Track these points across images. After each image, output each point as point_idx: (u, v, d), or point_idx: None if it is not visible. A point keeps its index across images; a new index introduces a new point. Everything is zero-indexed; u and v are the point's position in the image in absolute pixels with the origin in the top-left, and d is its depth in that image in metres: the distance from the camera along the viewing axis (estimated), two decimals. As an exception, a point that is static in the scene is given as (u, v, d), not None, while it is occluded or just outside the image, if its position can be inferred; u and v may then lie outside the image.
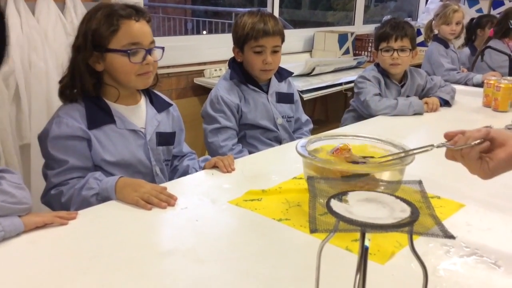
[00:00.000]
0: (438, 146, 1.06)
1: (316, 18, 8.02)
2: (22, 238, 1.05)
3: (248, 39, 1.83)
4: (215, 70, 3.19)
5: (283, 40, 1.89)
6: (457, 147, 1.00)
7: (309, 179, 0.77)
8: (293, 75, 3.20)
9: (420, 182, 0.77)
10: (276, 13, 3.72)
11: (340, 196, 0.69)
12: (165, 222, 1.17)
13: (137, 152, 1.45)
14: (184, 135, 1.68)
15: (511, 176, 1.44)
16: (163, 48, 1.48)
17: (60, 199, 1.33)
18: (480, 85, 3.01)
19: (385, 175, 1.16)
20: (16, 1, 2.11)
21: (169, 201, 1.22)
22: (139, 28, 1.40)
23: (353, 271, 0.95)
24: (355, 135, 1.33)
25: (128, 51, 1.37)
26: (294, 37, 3.92)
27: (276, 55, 1.87)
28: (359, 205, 0.66)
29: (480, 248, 1.05)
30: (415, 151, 1.14)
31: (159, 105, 1.56)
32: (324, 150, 1.30)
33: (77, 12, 2.28)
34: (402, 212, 0.64)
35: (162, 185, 1.36)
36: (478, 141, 0.97)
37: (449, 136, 1.04)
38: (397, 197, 0.69)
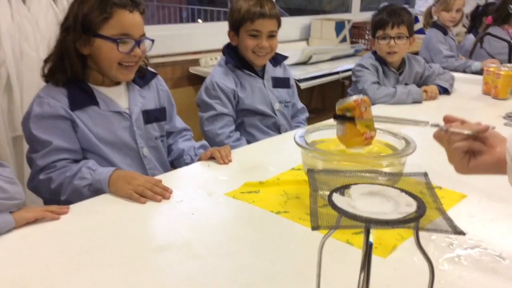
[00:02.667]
0: (432, 125, 1.02)
1: (312, 6, 7.94)
2: (13, 234, 1.02)
3: (244, 21, 1.79)
4: (211, 59, 3.14)
5: (279, 25, 1.86)
6: (451, 130, 0.96)
7: (309, 171, 0.74)
8: (290, 63, 3.22)
9: (425, 174, 0.74)
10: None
11: (343, 189, 0.66)
12: (159, 216, 1.13)
13: (121, 134, 1.41)
14: (175, 109, 1.64)
15: (514, 165, 1.43)
16: (153, 41, 1.44)
17: (49, 185, 1.29)
18: (479, 72, 2.97)
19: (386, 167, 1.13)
20: (6, -11, 2.05)
21: (163, 194, 1.19)
22: (132, 19, 1.36)
23: (354, 264, 0.92)
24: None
25: (118, 40, 1.33)
26: (291, 25, 3.87)
27: (272, 40, 1.84)
28: (362, 199, 0.63)
29: (483, 240, 1.02)
30: (408, 122, 1.10)
31: (142, 80, 1.51)
32: (323, 142, 1.26)
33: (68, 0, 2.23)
34: (407, 206, 0.61)
35: (157, 177, 1.33)
36: (471, 132, 0.93)
37: (447, 119, 1.01)
38: (402, 190, 0.66)
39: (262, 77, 1.91)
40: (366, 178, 0.73)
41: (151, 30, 2.33)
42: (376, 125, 1.15)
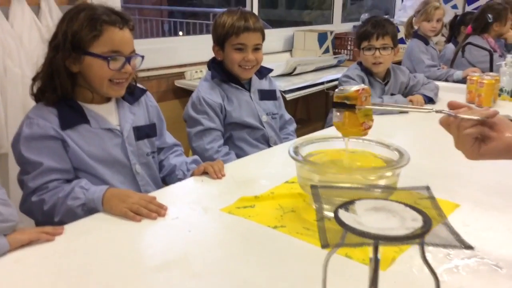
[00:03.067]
0: (437, 112, 1.03)
1: (292, 17, 8.01)
2: (7, 257, 1.00)
3: (228, 36, 1.80)
4: (196, 72, 3.14)
5: (263, 38, 1.88)
6: (461, 116, 0.95)
7: (313, 187, 0.74)
8: (275, 75, 3.23)
9: (428, 188, 0.75)
10: (255, 12, 3.69)
11: (347, 205, 0.66)
12: (156, 234, 1.12)
13: (113, 151, 1.40)
14: (165, 125, 1.63)
15: (505, 173, 1.46)
16: (142, 57, 1.44)
17: (42, 207, 1.27)
18: (460, 81, 3.03)
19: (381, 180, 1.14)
20: (-12, 5, 2.03)
21: (159, 211, 1.18)
22: (122, 36, 1.36)
23: (355, 278, 0.93)
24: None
25: (108, 58, 1.33)
26: (274, 37, 3.89)
27: (257, 53, 1.85)
28: (368, 215, 0.64)
29: (480, 249, 1.03)
30: (412, 109, 1.11)
31: (131, 97, 1.51)
32: (316, 155, 1.27)
33: (52, 16, 2.21)
34: (413, 221, 0.62)
35: (151, 194, 1.32)
36: (481, 118, 0.93)
37: (453, 106, 1.01)
38: (407, 205, 0.66)
39: (249, 90, 1.91)
40: (369, 193, 0.74)
41: (135, 44, 2.33)
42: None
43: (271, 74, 3.20)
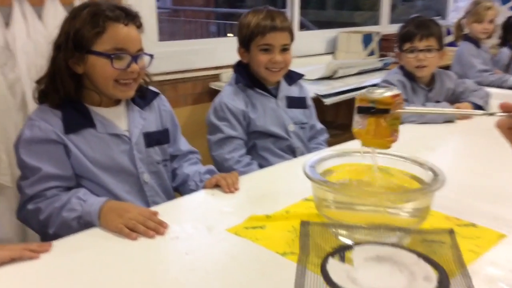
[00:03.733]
0: (491, 114, 0.87)
1: (342, 18, 7.80)
2: (-17, 276, 0.91)
3: (254, 36, 1.68)
4: (232, 73, 3.04)
5: (292, 39, 1.74)
6: None
7: (303, 224, 0.60)
8: (314, 78, 3.08)
9: (451, 232, 0.59)
10: (296, 14, 3.55)
11: (343, 252, 0.52)
12: (150, 255, 1.01)
13: (119, 158, 1.31)
14: (179, 131, 1.53)
15: None
16: (151, 56, 1.34)
17: (38, 216, 1.19)
18: (516, 87, 2.78)
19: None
20: (22, 5, 2.00)
21: (157, 229, 1.07)
22: (127, 33, 1.26)
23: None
24: (373, 152, 1.14)
25: (112, 56, 1.23)
26: (316, 38, 3.74)
27: (285, 54, 1.72)
28: (366, 268, 0.49)
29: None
30: (460, 113, 0.94)
31: (143, 100, 1.41)
32: (337, 171, 1.12)
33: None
34: (425, 280, 0.47)
35: (157, 207, 1.22)
36: None
37: (507, 108, 0.86)
38: (420, 255, 0.51)
39: (276, 96, 1.78)
40: (378, 231, 0.59)
41: (170, 46, 2.26)
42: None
43: (309, 77, 3.08)
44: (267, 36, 1.67)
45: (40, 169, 1.20)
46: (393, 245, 0.54)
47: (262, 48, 1.69)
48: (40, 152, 1.22)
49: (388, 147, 1.03)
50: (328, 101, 2.77)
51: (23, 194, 1.23)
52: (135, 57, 1.28)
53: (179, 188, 1.47)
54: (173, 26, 7.48)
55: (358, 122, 1.02)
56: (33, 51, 2.02)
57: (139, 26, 1.31)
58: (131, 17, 1.28)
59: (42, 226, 1.19)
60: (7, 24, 1.95)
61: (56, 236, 1.13)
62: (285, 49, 1.72)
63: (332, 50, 3.88)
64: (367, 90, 1.02)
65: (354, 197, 0.97)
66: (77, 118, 1.27)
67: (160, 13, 7.97)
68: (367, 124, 1.01)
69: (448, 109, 0.85)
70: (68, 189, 1.24)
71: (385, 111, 0.99)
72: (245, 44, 1.73)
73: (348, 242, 0.98)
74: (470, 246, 1.01)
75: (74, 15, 1.26)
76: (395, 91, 1.02)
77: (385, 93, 1.01)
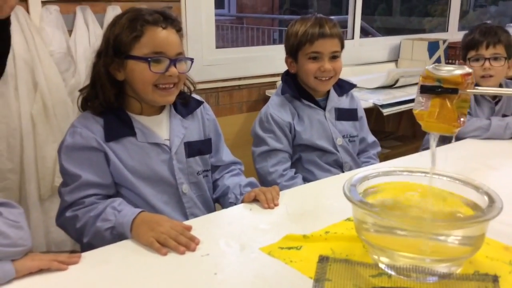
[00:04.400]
0: None
1: (411, 25, 7.56)
2: (11, 285, 0.91)
3: (302, 44, 1.62)
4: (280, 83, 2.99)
5: (342, 46, 1.67)
6: None
7: (321, 261, 0.53)
8: (374, 87, 2.96)
9: (495, 279, 0.50)
10: (358, 20, 3.45)
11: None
12: (178, 273, 0.96)
13: (158, 168, 1.29)
14: (223, 140, 1.49)
15: None
16: (192, 60, 1.31)
17: (75, 224, 1.19)
18: None
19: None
20: (84, 13, 2.06)
21: (188, 245, 1.03)
22: (165, 36, 1.24)
23: None
24: (423, 172, 1.04)
25: (149, 59, 1.22)
26: (378, 46, 3.61)
27: (335, 62, 1.65)
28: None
29: None
30: None
31: (185, 109, 1.38)
32: (383, 190, 1.03)
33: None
34: None
35: (192, 220, 1.19)
36: None
37: None
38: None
39: (324, 108, 1.70)
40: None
41: (227, 53, 2.25)
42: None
43: (370, 85, 2.97)
44: (316, 43, 1.61)
45: (80, 176, 1.20)
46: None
47: (311, 56, 1.63)
48: (80, 159, 1.22)
49: (453, 133, 0.92)
50: (387, 111, 2.65)
51: (63, 201, 1.23)
52: (174, 61, 1.25)
53: (219, 199, 1.43)
54: (236, 34, 7.54)
55: (421, 103, 0.92)
56: (93, 58, 2.07)
57: (178, 30, 1.29)
58: (170, 21, 1.26)
59: (79, 234, 1.19)
60: (70, 31, 2.01)
61: (90, 245, 1.13)
62: (334, 56, 1.65)
63: (394, 58, 3.74)
64: (433, 66, 0.92)
65: (395, 222, 0.89)
66: (118, 126, 1.27)
67: (224, 21, 8.06)
68: (431, 106, 0.91)
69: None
70: (107, 197, 1.23)
71: (453, 91, 0.88)
72: (293, 54, 1.67)
73: (388, 271, 0.90)
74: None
75: (114, 21, 1.26)
76: (466, 70, 0.91)
77: (455, 71, 0.90)
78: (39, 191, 1.92)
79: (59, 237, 1.96)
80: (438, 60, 3.63)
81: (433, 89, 0.89)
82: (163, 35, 1.24)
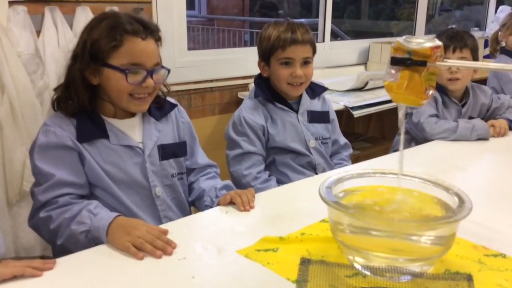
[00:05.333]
0: None
1: (379, 28, 7.70)
2: (-16, 292, 0.89)
3: (274, 49, 1.64)
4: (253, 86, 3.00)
5: (314, 51, 1.69)
6: None
7: (303, 263, 0.54)
8: (344, 89, 3.01)
9: (469, 278, 0.52)
10: (328, 23, 3.49)
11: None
12: (156, 277, 0.96)
13: (131, 170, 1.28)
14: (197, 143, 1.49)
15: None
16: (168, 70, 1.31)
17: (48, 225, 1.17)
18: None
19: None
20: (53, 13, 2.02)
21: (165, 248, 1.03)
22: (144, 48, 1.24)
23: None
24: (395, 173, 1.07)
25: (126, 71, 1.21)
26: (348, 49, 3.66)
27: (307, 68, 1.66)
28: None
29: None
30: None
31: (159, 112, 1.38)
32: (357, 192, 1.06)
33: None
34: None
35: (167, 224, 1.18)
36: None
37: None
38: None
39: (297, 111, 1.72)
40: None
41: (198, 55, 2.25)
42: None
43: (340, 88, 3.01)
44: (288, 49, 1.62)
45: (54, 175, 1.19)
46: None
47: (283, 61, 1.64)
48: (54, 158, 1.21)
49: (421, 105, 0.95)
50: (357, 113, 2.70)
51: (36, 201, 1.21)
52: (151, 72, 1.25)
53: (195, 202, 1.43)
54: (207, 35, 7.52)
55: (390, 74, 0.94)
56: (62, 59, 2.03)
57: (157, 39, 1.28)
58: (150, 31, 1.25)
59: (52, 236, 1.17)
60: (38, 32, 1.97)
61: (63, 248, 1.12)
62: (306, 62, 1.66)
63: (363, 60, 3.80)
64: (404, 38, 0.94)
65: (370, 223, 0.91)
66: (91, 128, 1.26)
67: (194, 22, 8.01)
68: (400, 77, 0.92)
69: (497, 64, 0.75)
70: (81, 197, 1.22)
71: (422, 64, 0.90)
72: (265, 58, 1.69)
73: (363, 271, 0.92)
74: (498, 279, 0.93)
75: (92, 25, 1.24)
76: (436, 42, 0.93)
77: (425, 44, 0.92)
78: (7, 196, 1.87)
79: (28, 242, 1.92)
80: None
81: (403, 61, 0.91)
82: (141, 47, 1.23)
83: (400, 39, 0.94)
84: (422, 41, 0.92)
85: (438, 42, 0.92)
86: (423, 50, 0.90)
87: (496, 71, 2.98)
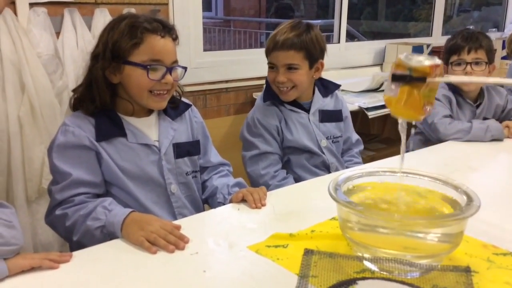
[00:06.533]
0: None
1: (396, 29, 7.65)
2: (4, 284, 0.92)
3: (267, 53, 1.66)
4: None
5: (308, 57, 1.62)
6: None
7: (306, 253, 0.56)
8: (359, 90, 3.01)
9: (467, 270, 0.54)
10: (344, 24, 3.50)
11: (346, 286, 0.48)
12: (167, 271, 0.99)
13: (148, 168, 1.31)
14: (210, 142, 1.52)
15: None
16: (185, 68, 1.35)
17: (64, 222, 1.20)
18: None
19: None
20: (72, 15, 2.06)
21: (178, 243, 1.05)
22: (163, 45, 1.27)
23: None
24: (405, 172, 1.08)
25: (148, 66, 1.25)
26: (364, 50, 3.66)
27: (292, 73, 1.62)
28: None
29: None
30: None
31: (174, 111, 1.41)
32: (366, 190, 1.07)
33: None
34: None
35: (181, 220, 1.21)
36: None
37: None
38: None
39: (308, 111, 1.72)
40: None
41: (217, 56, 2.26)
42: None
43: (355, 89, 3.01)
44: (272, 54, 1.63)
45: (71, 174, 1.22)
46: (401, 282, 0.49)
47: (269, 65, 1.66)
48: (72, 157, 1.24)
49: (419, 120, 0.97)
50: (372, 114, 2.70)
51: (53, 199, 1.24)
52: (170, 69, 1.29)
53: (208, 200, 1.46)
54: (223, 36, 7.56)
55: (391, 89, 0.96)
56: (81, 60, 2.08)
57: (175, 38, 1.32)
58: (168, 29, 1.29)
59: (68, 233, 1.20)
60: (57, 33, 2.02)
61: (79, 243, 1.15)
62: (291, 68, 1.62)
63: (379, 61, 3.79)
64: (405, 55, 0.96)
65: (378, 220, 0.92)
66: (109, 126, 1.29)
67: (211, 23, 8.06)
68: (400, 93, 0.94)
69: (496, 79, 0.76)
70: (97, 196, 1.25)
71: (421, 80, 0.92)
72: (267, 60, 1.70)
73: (372, 267, 0.93)
74: (506, 277, 0.93)
75: (112, 26, 1.27)
76: (436, 61, 0.94)
77: (424, 62, 0.93)
78: (26, 193, 1.92)
79: (46, 238, 1.97)
80: (422, 64, 3.70)
81: (403, 77, 0.93)
82: (161, 44, 1.27)
83: (401, 56, 0.96)
84: (422, 59, 0.94)
85: (438, 61, 0.94)
86: (422, 68, 0.92)
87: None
